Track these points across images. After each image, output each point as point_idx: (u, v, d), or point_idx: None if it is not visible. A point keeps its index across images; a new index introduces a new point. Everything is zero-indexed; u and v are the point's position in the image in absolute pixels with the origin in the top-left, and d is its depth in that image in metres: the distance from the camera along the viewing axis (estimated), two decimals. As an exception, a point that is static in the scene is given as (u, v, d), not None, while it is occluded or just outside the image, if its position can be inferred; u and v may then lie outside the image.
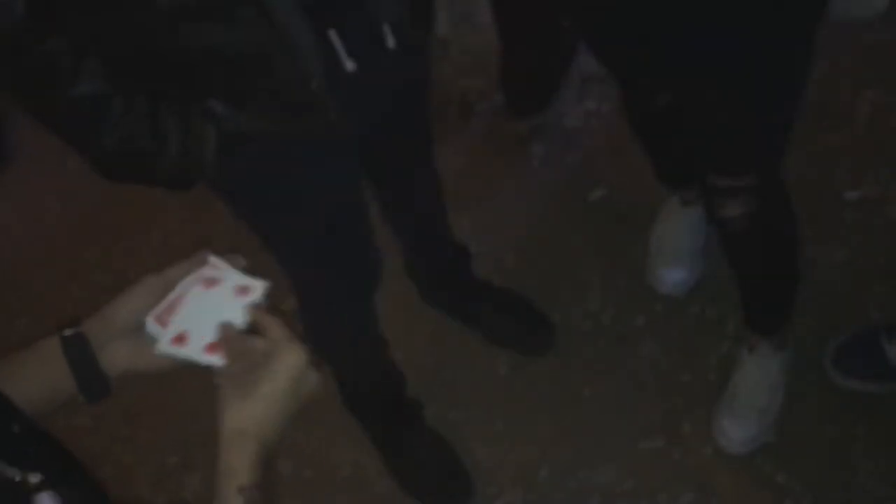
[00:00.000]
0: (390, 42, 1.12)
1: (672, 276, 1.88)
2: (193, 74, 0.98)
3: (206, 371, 0.84)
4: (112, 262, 2.20)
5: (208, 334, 0.82)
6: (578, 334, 1.88)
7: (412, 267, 1.83)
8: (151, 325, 0.84)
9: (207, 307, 0.84)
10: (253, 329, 0.83)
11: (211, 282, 0.85)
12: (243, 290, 0.84)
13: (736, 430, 1.67)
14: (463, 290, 1.87)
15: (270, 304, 0.86)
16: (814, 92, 1.34)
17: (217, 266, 0.86)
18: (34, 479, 0.62)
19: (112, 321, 0.83)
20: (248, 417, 0.78)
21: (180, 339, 0.83)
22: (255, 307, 0.84)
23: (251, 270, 0.88)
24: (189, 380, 0.90)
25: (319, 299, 1.48)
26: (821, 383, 1.70)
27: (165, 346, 0.83)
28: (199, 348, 0.82)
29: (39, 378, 0.81)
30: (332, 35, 1.05)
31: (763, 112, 1.28)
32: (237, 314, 0.83)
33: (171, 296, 0.85)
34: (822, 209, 1.88)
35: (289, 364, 0.79)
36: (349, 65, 1.08)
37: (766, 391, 1.67)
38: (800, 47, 1.24)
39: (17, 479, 0.61)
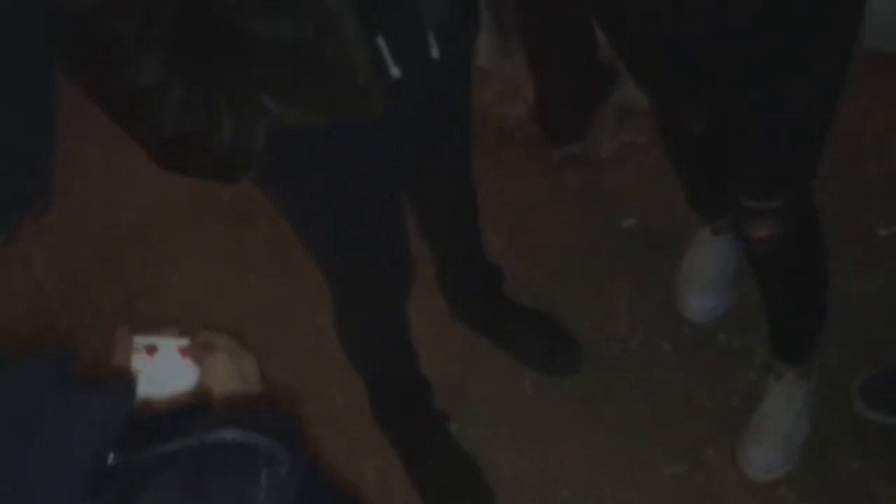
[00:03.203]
0: (435, 52, 1.17)
1: (701, 304, 1.90)
2: (250, 64, 1.03)
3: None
4: (151, 268, 2.27)
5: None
6: (605, 357, 1.89)
7: (444, 282, 1.87)
8: None
9: (159, 374, 0.83)
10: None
11: (151, 349, 0.84)
12: (184, 350, 0.85)
13: (760, 458, 1.67)
14: (493, 308, 1.90)
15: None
16: (847, 126, 1.37)
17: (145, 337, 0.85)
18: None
19: None
20: None
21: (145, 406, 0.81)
22: (186, 348, 0.84)
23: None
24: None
25: (353, 303, 1.52)
26: (847, 415, 1.70)
27: None
28: None
29: None
30: (380, 41, 1.11)
31: (794, 136, 1.31)
32: (190, 378, 0.83)
33: None
34: (854, 243, 1.90)
35: (217, 371, 0.80)
36: (395, 71, 1.13)
37: (791, 420, 1.67)
38: (832, 75, 1.27)
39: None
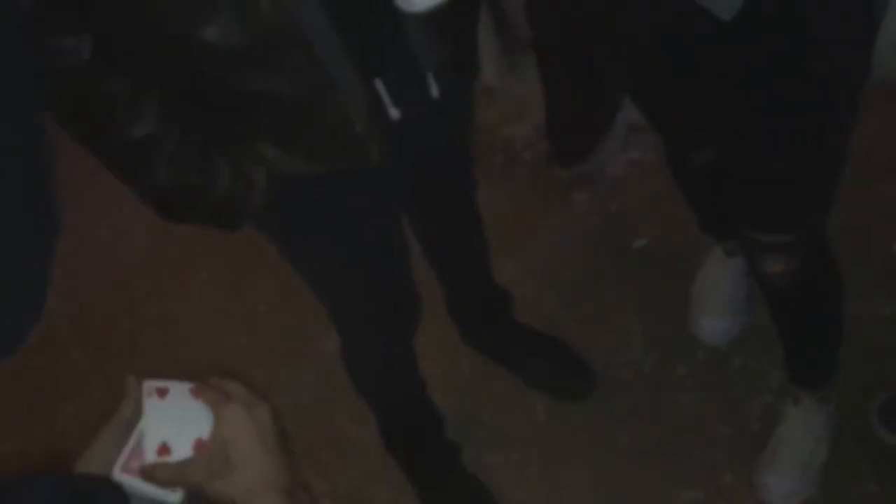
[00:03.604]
0: (434, 91, 1.16)
1: (714, 326, 1.87)
2: (245, 117, 1.02)
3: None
4: (160, 297, 2.26)
5: (186, 442, 0.82)
6: (618, 381, 1.87)
7: (454, 308, 1.85)
8: (119, 476, 0.81)
9: (173, 415, 0.83)
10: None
11: (162, 391, 0.84)
12: (196, 392, 0.84)
13: (778, 484, 1.64)
14: (503, 334, 1.89)
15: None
16: (862, 144, 1.34)
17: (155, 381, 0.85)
18: None
19: None
20: (242, 485, 0.78)
21: (163, 450, 0.82)
22: (197, 389, 0.83)
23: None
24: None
25: (359, 337, 1.51)
26: (865, 439, 1.67)
27: (151, 456, 0.82)
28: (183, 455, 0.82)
29: None
30: (378, 84, 1.09)
31: (805, 172, 1.27)
32: (204, 417, 0.83)
33: (132, 441, 0.83)
34: (870, 263, 1.86)
35: (233, 421, 0.79)
36: (394, 112, 1.11)
37: (810, 445, 1.64)
38: (843, 107, 1.23)
39: None
